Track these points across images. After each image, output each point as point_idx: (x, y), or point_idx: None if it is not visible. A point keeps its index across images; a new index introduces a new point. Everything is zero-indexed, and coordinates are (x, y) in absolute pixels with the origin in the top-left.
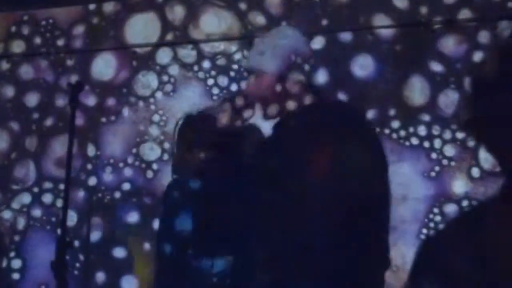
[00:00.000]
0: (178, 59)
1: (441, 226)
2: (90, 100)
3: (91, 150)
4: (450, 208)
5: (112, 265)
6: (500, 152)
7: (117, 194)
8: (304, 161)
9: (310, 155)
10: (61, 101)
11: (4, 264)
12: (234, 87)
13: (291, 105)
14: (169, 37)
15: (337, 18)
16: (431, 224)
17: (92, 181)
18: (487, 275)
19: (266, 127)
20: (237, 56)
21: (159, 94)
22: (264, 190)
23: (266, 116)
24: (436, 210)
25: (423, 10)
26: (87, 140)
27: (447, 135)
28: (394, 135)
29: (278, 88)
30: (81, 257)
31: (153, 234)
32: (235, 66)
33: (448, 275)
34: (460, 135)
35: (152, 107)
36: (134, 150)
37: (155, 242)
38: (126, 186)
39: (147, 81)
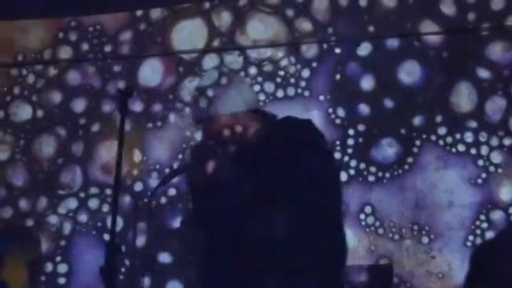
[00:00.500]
0: (224, 66)
1: (487, 234)
2: (137, 106)
3: (137, 156)
4: (497, 215)
5: (158, 270)
6: None
7: (163, 200)
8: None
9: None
10: (107, 107)
11: (50, 268)
12: (280, 93)
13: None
14: (216, 43)
15: (384, 24)
16: (478, 231)
17: (138, 186)
18: None
19: None
20: (284, 63)
21: None
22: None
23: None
24: (482, 217)
25: (471, 16)
26: (133, 146)
27: (494, 141)
28: (441, 142)
29: (238, 128)
30: (127, 262)
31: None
32: (282, 73)
33: (503, 283)
34: (507, 141)
35: None
36: (180, 156)
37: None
38: (172, 192)
39: (194, 87)
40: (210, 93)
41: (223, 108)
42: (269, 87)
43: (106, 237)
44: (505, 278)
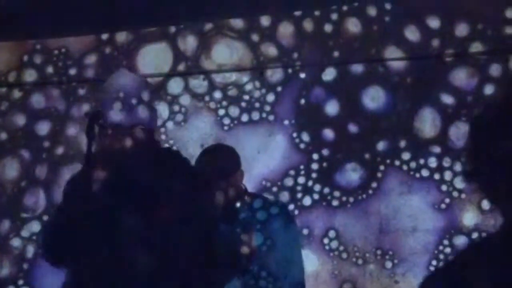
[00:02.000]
0: (189, 89)
1: (451, 259)
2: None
3: None
4: (460, 240)
5: None
6: (501, 203)
7: None
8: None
9: None
10: (72, 130)
11: None
12: (245, 118)
13: None
14: (181, 67)
15: (348, 50)
16: (441, 256)
17: None
18: None
19: None
20: (249, 87)
21: (170, 124)
22: None
23: None
24: (446, 242)
25: (435, 42)
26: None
27: (458, 167)
28: (405, 167)
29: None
30: None
31: None
32: (246, 97)
33: None
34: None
35: (163, 136)
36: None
37: None
38: None
39: (158, 111)
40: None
41: None
42: (234, 111)
43: None
44: None
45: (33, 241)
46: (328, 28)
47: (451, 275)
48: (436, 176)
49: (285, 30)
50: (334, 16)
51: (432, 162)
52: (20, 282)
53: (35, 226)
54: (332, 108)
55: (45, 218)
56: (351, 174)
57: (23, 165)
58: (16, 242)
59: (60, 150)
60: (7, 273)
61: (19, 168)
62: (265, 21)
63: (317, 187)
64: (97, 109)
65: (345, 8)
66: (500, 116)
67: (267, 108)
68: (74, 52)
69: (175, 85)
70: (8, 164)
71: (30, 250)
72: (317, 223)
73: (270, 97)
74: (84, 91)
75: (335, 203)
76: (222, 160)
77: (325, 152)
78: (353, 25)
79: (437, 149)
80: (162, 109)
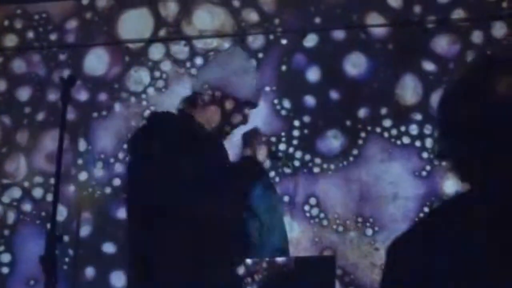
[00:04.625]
0: (170, 55)
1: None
2: (82, 95)
3: (82, 145)
4: None
5: (102, 260)
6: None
7: (108, 190)
8: None
9: None
10: (53, 96)
11: None
12: None
13: None
14: (162, 33)
15: (330, 16)
16: None
17: (83, 176)
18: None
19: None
20: None
21: (151, 90)
22: None
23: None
24: (426, 209)
25: (417, 9)
26: (79, 135)
27: None
28: (386, 134)
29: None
30: (71, 252)
31: None
32: None
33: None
34: None
35: (144, 102)
36: (125, 146)
37: None
38: (117, 182)
39: (139, 76)
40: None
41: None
42: None
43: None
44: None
45: (14, 207)
46: None
47: (418, 238)
48: (417, 143)
49: None
50: None
51: (413, 129)
52: (1, 248)
53: (16, 192)
54: (313, 74)
55: (26, 184)
56: (332, 141)
57: (4, 131)
58: None
59: (40, 116)
60: None
61: (0, 134)
62: None
63: (298, 154)
64: (72, 74)
65: None
66: (464, 92)
67: None
68: (55, 17)
69: (156, 51)
70: None
71: (11, 217)
72: (298, 190)
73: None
74: (64, 57)
75: (316, 170)
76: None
77: (306, 119)
78: None
79: (418, 117)
80: (144, 75)
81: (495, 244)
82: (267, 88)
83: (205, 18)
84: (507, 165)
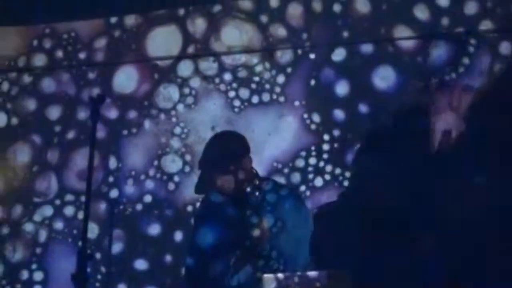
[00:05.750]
0: (199, 72)
1: None
2: (112, 113)
3: (112, 163)
4: None
5: (134, 277)
6: None
7: (139, 207)
8: None
9: None
10: (83, 114)
11: (26, 276)
12: (255, 99)
13: None
14: (191, 49)
15: (358, 30)
16: None
17: (114, 193)
18: None
19: None
20: (258, 68)
21: (180, 107)
22: None
23: None
24: None
25: (444, 21)
26: (109, 153)
27: None
28: None
29: None
30: (103, 269)
31: (174, 246)
32: (256, 78)
33: None
34: None
35: (174, 119)
36: (155, 163)
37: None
38: (148, 199)
39: (169, 93)
40: None
41: None
42: (244, 93)
43: None
44: None
45: (46, 226)
46: (337, 8)
47: None
48: None
49: (294, 10)
50: None
51: None
52: (33, 266)
53: (47, 211)
54: (342, 88)
55: (57, 202)
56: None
57: (35, 150)
58: (28, 227)
59: (71, 135)
60: (20, 257)
61: (31, 153)
62: (274, 1)
63: (329, 168)
64: (101, 93)
65: None
66: None
67: (277, 89)
68: (83, 35)
69: (185, 68)
70: (19, 149)
71: (43, 235)
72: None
73: (280, 79)
74: (94, 75)
75: (346, 183)
76: (231, 145)
77: (336, 132)
78: (362, 5)
79: None
80: (173, 92)
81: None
82: (296, 103)
83: (233, 34)
84: None
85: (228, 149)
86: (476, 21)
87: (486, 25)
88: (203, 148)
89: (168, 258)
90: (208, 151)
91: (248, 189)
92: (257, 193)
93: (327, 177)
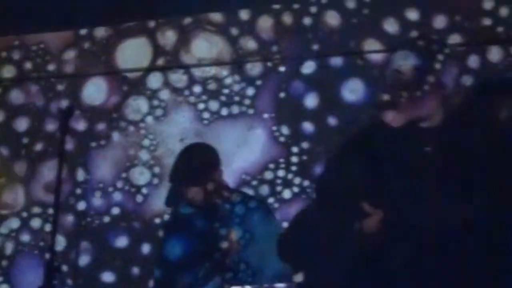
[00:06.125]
0: (169, 84)
1: None
2: (80, 125)
3: (80, 175)
4: None
5: None
6: None
7: (107, 219)
8: None
9: None
10: (51, 126)
11: None
12: (224, 112)
13: None
14: (160, 61)
15: (327, 43)
16: None
17: (81, 205)
18: None
19: None
20: (228, 81)
21: (149, 119)
22: None
23: None
24: None
25: (413, 34)
26: (77, 165)
27: None
28: None
29: None
30: (70, 282)
31: (142, 258)
32: (226, 91)
33: None
34: None
35: (143, 131)
36: (124, 175)
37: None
38: (116, 211)
39: (138, 105)
40: None
41: None
42: (214, 105)
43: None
44: None
45: (12, 238)
46: (307, 21)
47: None
48: None
49: (264, 23)
50: (313, 9)
51: None
52: (0, 279)
53: (14, 223)
54: (311, 101)
55: (24, 214)
56: None
57: (2, 161)
58: None
59: (39, 147)
60: None
61: None
62: (244, 14)
63: (297, 180)
64: (70, 105)
65: (324, 1)
66: None
67: (247, 101)
68: (52, 47)
69: (154, 80)
70: None
71: (9, 247)
72: None
73: (250, 91)
74: (62, 87)
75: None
76: (202, 157)
77: (304, 145)
78: (332, 18)
79: None
80: (142, 104)
81: None
82: (265, 115)
83: (204, 47)
84: None
85: (199, 161)
86: (445, 34)
87: (454, 39)
88: (174, 160)
89: (136, 270)
90: (179, 163)
91: (218, 201)
92: (226, 205)
93: (296, 189)
